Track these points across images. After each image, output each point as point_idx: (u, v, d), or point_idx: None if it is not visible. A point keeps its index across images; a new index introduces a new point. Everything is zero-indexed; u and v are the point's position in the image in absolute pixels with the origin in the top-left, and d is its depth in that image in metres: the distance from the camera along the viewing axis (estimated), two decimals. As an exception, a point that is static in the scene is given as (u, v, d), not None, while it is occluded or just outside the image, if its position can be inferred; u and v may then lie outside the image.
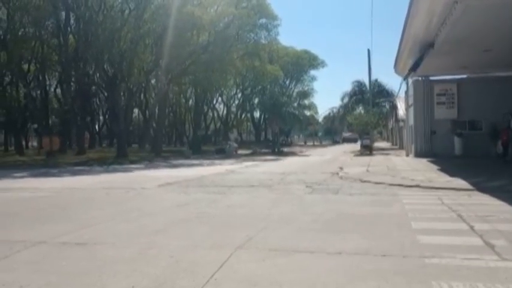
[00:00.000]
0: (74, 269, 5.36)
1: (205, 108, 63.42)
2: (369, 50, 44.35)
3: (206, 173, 19.24)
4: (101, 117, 65.77)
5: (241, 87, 66.85)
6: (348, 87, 63.29)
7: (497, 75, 25.98)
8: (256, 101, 71.48)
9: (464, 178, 14.21)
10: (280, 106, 46.03)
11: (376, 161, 24.93)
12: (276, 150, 44.23)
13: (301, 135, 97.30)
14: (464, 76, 27.80)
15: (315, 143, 79.09)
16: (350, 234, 6.93)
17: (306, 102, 77.35)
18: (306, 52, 72.68)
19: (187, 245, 6.39)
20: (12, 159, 32.30)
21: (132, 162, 29.76)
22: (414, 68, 21.69)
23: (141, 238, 6.91)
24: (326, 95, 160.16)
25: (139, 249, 6.14)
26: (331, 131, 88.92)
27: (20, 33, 37.18)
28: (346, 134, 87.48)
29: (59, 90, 49.05)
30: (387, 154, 33.08)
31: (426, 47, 19.73)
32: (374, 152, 34.91)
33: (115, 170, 23.15)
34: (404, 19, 18.48)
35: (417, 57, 21.44)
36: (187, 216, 8.84)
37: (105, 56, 35.42)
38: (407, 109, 31.30)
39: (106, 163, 28.44)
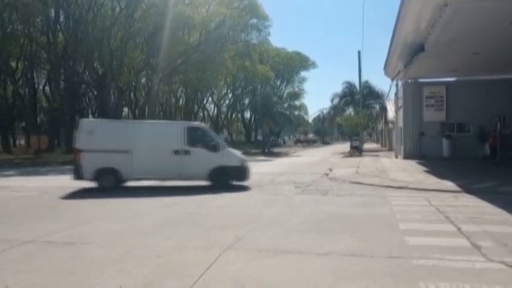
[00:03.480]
0: (61, 268, 5.31)
1: (196, 108, 63.22)
2: (359, 52, 44.58)
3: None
4: (90, 116, 65.09)
5: (232, 87, 66.80)
6: (338, 89, 63.46)
7: (486, 79, 26.25)
8: (246, 101, 71.49)
9: (452, 180, 14.34)
10: (270, 106, 45.97)
11: (365, 162, 25.05)
12: (266, 150, 44.25)
13: (291, 136, 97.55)
14: (453, 79, 28.07)
15: (305, 144, 79.36)
16: (339, 235, 6.96)
17: (297, 103, 77.70)
18: (297, 53, 72.89)
19: (176, 246, 6.37)
20: (-1, 158, 31.93)
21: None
22: (406, 65, 21.85)
23: (129, 238, 6.87)
24: (316, 96, 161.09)
25: (128, 249, 6.11)
26: (321, 132, 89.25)
27: (8, 30, 36.74)
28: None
29: (47, 88, 48.57)
30: (376, 155, 33.27)
31: (416, 50, 19.85)
32: (363, 154, 35.08)
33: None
34: (394, 22, 18.63)
35: (408, 59, 21.53)
36: (177, 217, 8.81)
37: (95, 54, 35.18)
38: (396, 111, 31.49)
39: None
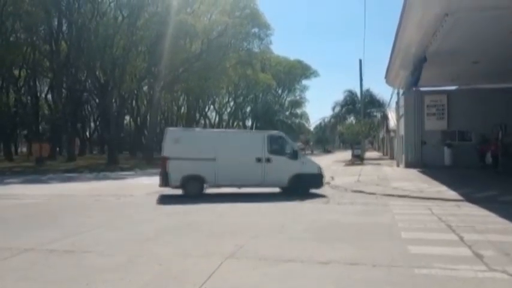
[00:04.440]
0: (61, 276, 5.30)
1: (198, 115, 63.26)
2: (360, 61, 44.73)
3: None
4: (92, 124, 65.34)
5: (233, 95, 66.88)
6: (339, 97, 63.50)
7: (487, 87, 26.28)
8: (248, 109, 71.61)
9: (454, 189, 14.31)
10: (272, 115, 46.20)
11: (366, 170, 25.01)
12: (268, 158, 44.10)
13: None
14: (455, 87, 28.11)
15: (306, 152, 79.29)
16: (340, 244, 6.94)
17: (298, 111, 77.79)
18: (299, 62, 73.05)
19: (177, 254, 6.35)
20: (0, 166, 31.92)
21: (123, 169, 29.57)
22: (414, 82, 21.47)
23: (130, 246, 6.86)
24: (318, 104, 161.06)
25: (128, 257, 6.09)
26: (323, 140, 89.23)
27: (11, 38, 36.92)
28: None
29: (49, 96, 48.68)
30: (378, 164, 33.24)
31: (419, 60, 19.86)
32: (365, 162, 35.03)
33: (105, 177, 22.98)
34: (395, 30, 18.71)
35: (412, 70, 21.36)
36: (177, 224, 8.80)
37: (98, 62, 35.28)
38: (398, 119, 31.51)
39: (96, 170, 28.23)
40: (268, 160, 13.73)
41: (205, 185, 13.71)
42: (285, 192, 14.11)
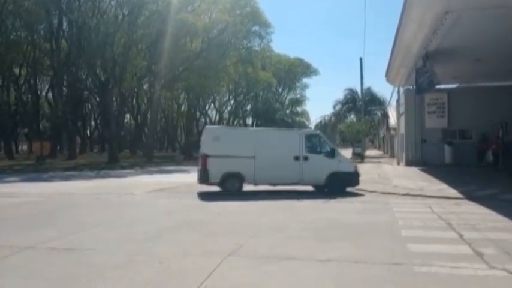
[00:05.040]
0: (62, 274, 5.30)
1: (198, 114, 63.19)
2: (361, 59, 44.27)
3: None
4: (93, 122, 65.36)
5: (233, 93, 66.81)
6: (339, 95, 63.38)
7: (488, 85, 26.27)
8: (248, 107, 71.54)
9: (455, 187, 14.32)
10: (272, 113, 46.16)
11: (367, 169, 24.99)
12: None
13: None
14: (455, 86, 28.09)
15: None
16: (340, 242, 6.94)
17: (298, 109, 77.72)
18: (299, 60, 72.95)
19: (177, 252, 6.35)
20: (1, 164, 31.96)
21: (124, 167, 29.57)
22: (429, 86, 20.80)
23: (130, 244, 6.86)
24: (318, 102, 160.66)
25: (129, 256, 6.09)
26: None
27: (12, 37, 36.94)
28: None
29: (50, 95, 48.72)
30: (378, 162, 33.23)
31: (422, 58, 19.70)
32: (365, 160, 35.01)
33: (106, 176, 22.98)
34: (396, 28, 18.69)
35: (424, 72, 20.60)
36: (178, 223, 8.79)
37: (98, 60, 35.27)
38: (398, 118, 31.51)
39: (97, 168, 28.24)
40: (305, 158, 13.86)
41: (243, 183, 13.86)
42: (318, 190, 14.26)
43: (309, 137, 14.49)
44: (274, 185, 14.29)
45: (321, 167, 13.87)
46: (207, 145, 13.77)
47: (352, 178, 14.17)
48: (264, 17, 41.72)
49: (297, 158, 13.82)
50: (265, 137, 14.70)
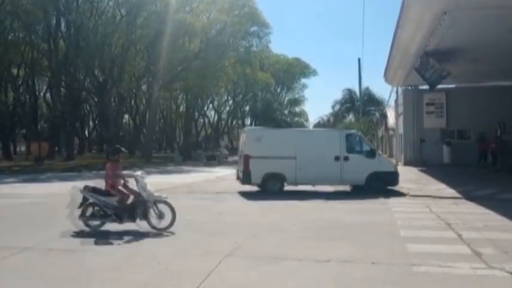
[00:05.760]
0: (61, 275, 5.30)
1: (196, 114, 63.13)
2: (359, 59, 44.54)
3: (196, 180, 19.15)
4: (91, 123, 65.13)
5: (232, 94, 66.76)
6: (338, 95, 63.30)
7: (486, 85, 26.31)
8: (247, 108, 71.48)
9: (453, 186, 14.34)
10: (271, 113, 46.14)
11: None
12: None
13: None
14: (453, 86, 28.12)
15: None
16: (340, 242, 6.94)
17: (297, 109, 77.66)
18: (298, 60, 72.84)
19: (176, 253, 6.35)
20: (-1, 165, 31.88)
21: (122, 168, 29.43)
22: (440, 78, 20.69)
23: (128, 244, 6.86)
24: (317, 102, 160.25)
25: (127, 256, 6.09)
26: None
27: (9, 37, 36.82)
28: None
29: (48, 95, 48.56)
30: (377, 162, 33.21)
31: (421, 57, 19.63)
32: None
33: (104, 176, 22.85)
34: (394, 29, 18.71)
35: (430, 67, 20.53)
36: (176, 223, 8.77)
37: (96, 61, 35.24)
38: (397, 118, 31.53)
39: (95, 169, 28.14)
40: (346, 158, 13.91)
41: (285, 183, 13.93)
42: (357, 190, 14.27)
43: (349, 137, 14.55)
44: (314, 185, 14.37)
45: (361, 166, 13.91)
46: (249, 146, 13.87)
47: (393, 178, 14.19)
48: (262, 18, 41.70)
49: (337, 158, 13.85)
50: (306, 137, 14.83)
